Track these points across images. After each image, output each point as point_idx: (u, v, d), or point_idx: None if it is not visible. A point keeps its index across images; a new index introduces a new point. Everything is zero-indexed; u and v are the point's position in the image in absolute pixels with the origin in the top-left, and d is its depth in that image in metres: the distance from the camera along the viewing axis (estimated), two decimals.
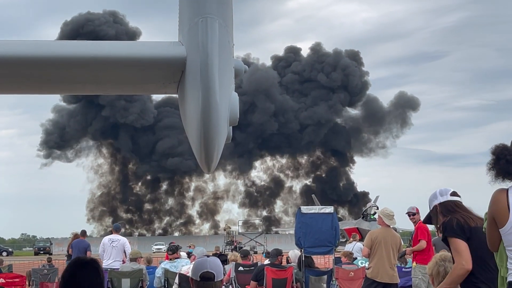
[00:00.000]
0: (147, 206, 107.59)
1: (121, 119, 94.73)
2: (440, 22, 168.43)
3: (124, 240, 18.32)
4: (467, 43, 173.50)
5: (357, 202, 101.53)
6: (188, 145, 4.68)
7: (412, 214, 14.31)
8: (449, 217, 6.39)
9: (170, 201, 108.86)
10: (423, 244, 13.86)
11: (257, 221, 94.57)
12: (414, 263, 14.12)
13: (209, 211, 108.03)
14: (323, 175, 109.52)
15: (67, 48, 4.66)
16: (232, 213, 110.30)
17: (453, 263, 6.23)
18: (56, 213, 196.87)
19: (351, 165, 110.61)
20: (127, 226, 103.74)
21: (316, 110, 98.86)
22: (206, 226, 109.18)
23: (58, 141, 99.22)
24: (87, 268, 4.73)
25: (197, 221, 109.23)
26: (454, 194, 6.68)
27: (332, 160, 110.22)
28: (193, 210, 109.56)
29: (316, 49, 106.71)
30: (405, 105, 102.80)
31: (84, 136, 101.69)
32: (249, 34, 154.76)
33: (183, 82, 4.54)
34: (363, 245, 12.77)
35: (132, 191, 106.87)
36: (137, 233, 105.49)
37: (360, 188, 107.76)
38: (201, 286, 4.96)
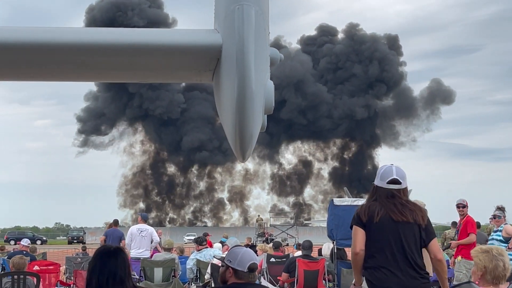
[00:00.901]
0: (178, 189, 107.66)
1: (150, 109, 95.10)
2: (474, 15, 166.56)
3: (152, 229, 18.42)
4: (502, 37, 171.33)
5: None
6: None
7: (462, 206, 14.07)
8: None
9: (201, 184, 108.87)
10: (472, 237, 13.51)
11: (288, 212, 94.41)
12: (459, 257, 13.79)
13: (239, 196, 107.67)
14: (350, 161, 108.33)
15: (103, 35, 4.65)
16: (261, 199, 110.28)
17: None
18: (89, 202, 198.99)
19: (377, 153, 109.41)
20: (157, 212, 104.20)
21: (349, 102, 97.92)
22: (236, 214, 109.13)
23: (93, 128, 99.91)
24: (114, 256, 4.78)
25: (227, 207, 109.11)
26: (392, 182, 6.41)
27: (360, 148, 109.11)
28: (224, 194, 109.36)
29: (351, 33, 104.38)
30: (439, 96, 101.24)
31: (118, 122, 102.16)
32: (281, 27, 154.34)
33: (218, 70, 4.51)
34: None
35: (165, 173, 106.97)
36: (168, 219, 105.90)
37: None
38: (246, 277, 4.96)
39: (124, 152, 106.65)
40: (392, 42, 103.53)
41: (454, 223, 25.04)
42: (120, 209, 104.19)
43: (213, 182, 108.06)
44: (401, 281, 5.95)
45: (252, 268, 4.97)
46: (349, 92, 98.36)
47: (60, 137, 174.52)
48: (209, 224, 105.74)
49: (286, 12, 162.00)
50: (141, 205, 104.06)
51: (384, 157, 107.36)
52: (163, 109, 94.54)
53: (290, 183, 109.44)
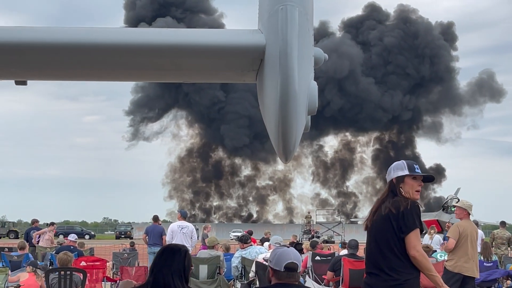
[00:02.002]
0: (224, 177, 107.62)
1: (193, 100, 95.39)
2: None
3: (192, 227, 18.49)
4: None
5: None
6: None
7: None
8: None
9: (245, 171, 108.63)
10: None
11: (333, 209, 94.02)
12: None
13: (283, 183, 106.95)
14: (393, 146, 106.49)
15: (148, 36, 4.70)
16: (304, 188, 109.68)
17: None
18: (137, 198, 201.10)
19: (416, 143, 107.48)
20: (203, 200, 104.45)
21: (396, 102, 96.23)
22: (280, 206, 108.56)
23: (141, 118, 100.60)
24: (179, 254, 4.90)
25: (271, 197, 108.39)
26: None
27: (401, 140, 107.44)
28: (265, 181, 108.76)
29: (403, 18, 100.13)
30: (488, 92, 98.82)
31: (166, 112, 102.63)
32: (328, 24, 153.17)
33: (261, 70, 4.51)
34: (449, 236, 12.39)
35: (211, 160, 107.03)
36: (213, 207, 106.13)
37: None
38: (284, 277, 4.94)
39: (173, 138, 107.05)
40: (447, 31, 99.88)
41: (502, 223, 24.67)
42: (166, 200, 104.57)
43: (257, 173, 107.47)
44: None
45: (290, 268, 4.92)
46: (398, 89, 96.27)
47: (108, 132, 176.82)
48: (254, 213, 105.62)
49: (333, 8, 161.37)
50: (187, 195, 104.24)
51: (432, 154, 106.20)
52: (207, 102, 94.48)
53: (333, 171, 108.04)
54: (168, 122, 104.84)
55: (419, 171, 6.20)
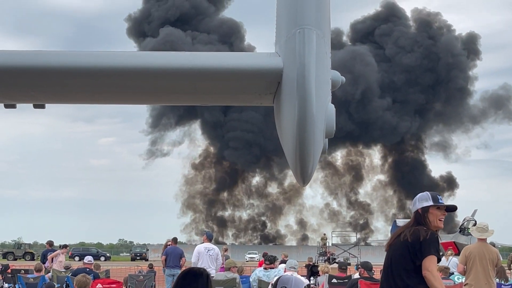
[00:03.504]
0: (238, 188, 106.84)
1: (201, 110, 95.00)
2: None
3: (218, 250, 18.48)
4: None
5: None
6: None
7: None
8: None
9: (257, 179, 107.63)
10: None
11: (351, 235, 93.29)
12: None
13: (293, 193, 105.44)
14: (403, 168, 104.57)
15: (166, 59, 4.72)
16: (314, 199, 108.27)
17: None
18: (152, 219, 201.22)
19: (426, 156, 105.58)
20: (217, 209, 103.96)
21: (406, 125, 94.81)
22: (291, 218, 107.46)
23: (162, 126, 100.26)
24: (201, 277, 4.93)
25: (282, 207, 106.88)
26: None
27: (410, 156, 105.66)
28: (276, 189, 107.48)
29: (423, 23, 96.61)
30: (503, 107, 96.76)
31: (179, 124, 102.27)
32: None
33: (279, 93, 4.52)
34: (458, 261, 12.46)
35: (224, 169, 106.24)
36: (227, 217, 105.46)
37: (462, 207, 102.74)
38: None
39: (188, 146, 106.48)
40: (470, 45, 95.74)
41: None
42: (180, 215, 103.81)
43: (268, 182, 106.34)
44: None
45: None
46: (412, 109, 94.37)
47: (124, 154, 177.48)
48: (267, 224, 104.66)
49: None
50: (201, 206, 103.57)
51: (441, 167, 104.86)
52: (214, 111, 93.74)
53: (343, 177, 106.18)
54: (185, 131, 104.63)
55: (442, 201, 6.54)
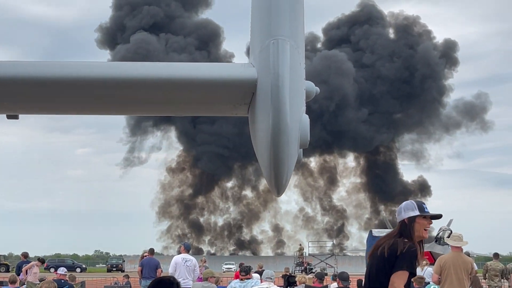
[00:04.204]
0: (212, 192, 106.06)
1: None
2: None
3: (195, 261, 18.43)
4: None
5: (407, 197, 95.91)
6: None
7: None
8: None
9: (232, 182, 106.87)
10: None
11: (328, 244, 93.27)
12: None
13: (267, 197, 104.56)
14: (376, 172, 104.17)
15: (141, 70, 4.71)
16: (289, 204, 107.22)
17: None
18: (129, 230, 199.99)
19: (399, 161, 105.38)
20: (193, 213, 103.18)
21: (380, 138, 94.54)
22: (267, 226, 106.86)
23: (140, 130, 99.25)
24: (171, 286, 4.92)
25: (258, 210, 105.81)
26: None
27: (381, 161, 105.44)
28: (252, 192, 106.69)
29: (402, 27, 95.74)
30: (477, 119, 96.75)
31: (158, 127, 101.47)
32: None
33: (253, 104, 4.53)
34: (433, 270, 12.53)
35: (199, 173, 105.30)
36: (206, 240, 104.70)
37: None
38: None
39: (164, 152, 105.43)
40: (448, 53, 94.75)
41: (496, 254, 24.62)
42: (157, 225, 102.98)
43: (243, 185, 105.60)
44: None
45: None
46: (386, 119, 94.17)
47: (100, 164, 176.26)
48: (243, 229, 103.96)
49: None
50: (177, 211, 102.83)
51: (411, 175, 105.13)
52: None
53: (317, 183, 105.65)
54: (163, 135, 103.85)
55: (428, 210, 6.39)
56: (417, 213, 6.30)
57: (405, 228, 6.31)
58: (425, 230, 6.37)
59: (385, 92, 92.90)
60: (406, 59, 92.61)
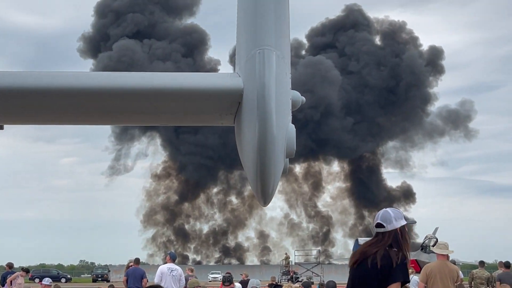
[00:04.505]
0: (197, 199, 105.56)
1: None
2: (497, 53, 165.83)
3: (181, 271, 18.38)
4: None
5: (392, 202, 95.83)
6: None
7: None
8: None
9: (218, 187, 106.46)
10: None
11: (313, 252, 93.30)
12: None
13: (252, 202, 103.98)
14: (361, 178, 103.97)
15: (127, 80, 4.69)
16: (274, 210, 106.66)
17: None
18: (114, 240, 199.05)
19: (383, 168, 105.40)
20: (177, 220, 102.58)
21: (364, 146, 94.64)
22: (252, 233, 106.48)
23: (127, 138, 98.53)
24: None
25: (243, 216, 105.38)
26: (377, 226, 6.16)
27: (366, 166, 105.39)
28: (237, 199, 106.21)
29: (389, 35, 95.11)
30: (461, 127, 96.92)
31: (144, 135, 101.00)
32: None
33: (239, 113, 4.52)
34: (419, 279, 12.56)
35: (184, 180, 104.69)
36: (192, 247, 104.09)
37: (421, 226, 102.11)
38: None
39: (150, 159, 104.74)
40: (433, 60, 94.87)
41: (481, 262, 24.68)
42: (142, 233, 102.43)
43: (229, 191, 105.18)
44: None
45: None
46: (368, 134, 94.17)
47: (85, 174, 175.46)
48: (228, 235, 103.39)
49: None
50: (161, 218, 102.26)
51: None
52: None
53: (302, 189, 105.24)
54: (149, 141, 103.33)
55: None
56: (404, 221, 6.17)
57: (399, 238, 6.12)
58: None
59: (371, 101, 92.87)
60: (392, 68, 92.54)
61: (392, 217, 6.24)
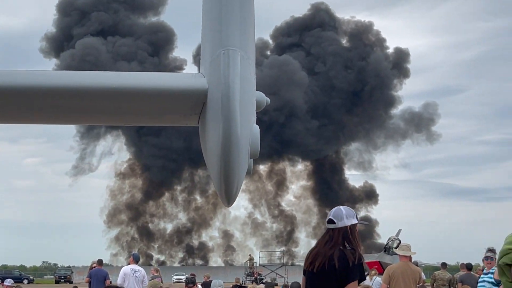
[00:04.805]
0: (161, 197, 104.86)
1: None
2: (461, 57, 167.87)
3: (144, 272, 18.30)
4: (488, 77, 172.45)
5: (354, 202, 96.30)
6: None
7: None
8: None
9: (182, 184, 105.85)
10: None
11: (277, 253, 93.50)
12: None
13: (216, 201, 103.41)
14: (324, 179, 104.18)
15: (90, 79, 4.66)
16: (237, 209, 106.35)
17: None
18: (77, 241, 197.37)
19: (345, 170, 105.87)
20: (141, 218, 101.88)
21: (328, 148, 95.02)
22: (216, 232, 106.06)
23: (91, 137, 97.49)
24: None
25: (207, 215, 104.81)
26: (328, 222, 6.28)
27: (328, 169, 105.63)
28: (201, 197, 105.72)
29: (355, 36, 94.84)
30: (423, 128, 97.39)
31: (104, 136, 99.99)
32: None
33: (204, 114, 4.52)
34: (381, 280, 12.69)
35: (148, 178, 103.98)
36: (156, 246, 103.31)
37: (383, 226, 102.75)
38: None
39: (114, 156, 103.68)
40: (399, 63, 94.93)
41: (443, 264, 24.95)
42: (107, 233, 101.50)
43: (193, 189, 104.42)
44: None
45: None
46: (332, 134, 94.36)
47: (49, 174, 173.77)
48: (192, 235, 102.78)
49: None
50: (125, 217, 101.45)
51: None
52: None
53: (266, 188, 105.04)
54: (114, 139, 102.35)
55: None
56: (356, 221, 6.25)
57: (350, 236, 6.16)
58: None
59: (338, 104, 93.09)
60: (359, 71, 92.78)
61: (343, 214, 6.26)
